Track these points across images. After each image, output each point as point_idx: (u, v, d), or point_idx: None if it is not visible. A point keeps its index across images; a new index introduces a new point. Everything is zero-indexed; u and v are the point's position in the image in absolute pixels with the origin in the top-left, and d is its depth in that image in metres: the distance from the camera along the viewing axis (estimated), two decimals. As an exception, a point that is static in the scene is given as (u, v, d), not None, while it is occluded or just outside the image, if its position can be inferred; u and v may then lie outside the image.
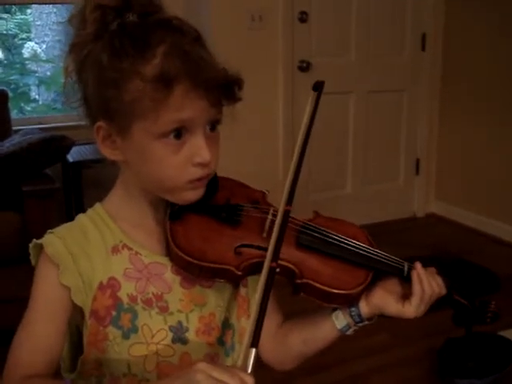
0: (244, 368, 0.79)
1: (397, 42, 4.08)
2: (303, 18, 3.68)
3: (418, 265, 1.01)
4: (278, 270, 0.91)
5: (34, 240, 0.95)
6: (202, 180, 0.93)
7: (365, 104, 4.04)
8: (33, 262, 0.96)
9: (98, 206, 1.01)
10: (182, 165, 0.90)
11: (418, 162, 4.34)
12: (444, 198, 4.34)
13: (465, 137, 4.10)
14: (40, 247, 0.94)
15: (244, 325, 1.05)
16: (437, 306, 1.03)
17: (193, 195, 0.95)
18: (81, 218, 1.00)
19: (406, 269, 1.01)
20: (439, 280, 1.02)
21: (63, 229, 0.97)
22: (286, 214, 0.96)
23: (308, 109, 1.07)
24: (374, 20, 3.94)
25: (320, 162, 3.92)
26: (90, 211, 1.01)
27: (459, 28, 4.04)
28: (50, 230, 0.96)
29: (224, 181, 1.02)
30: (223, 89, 0.90)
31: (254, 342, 0.81)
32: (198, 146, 0.90)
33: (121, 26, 0.89)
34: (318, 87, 1.09)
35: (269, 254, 0.92)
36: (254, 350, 0.80)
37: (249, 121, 3.49)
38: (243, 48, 3.45)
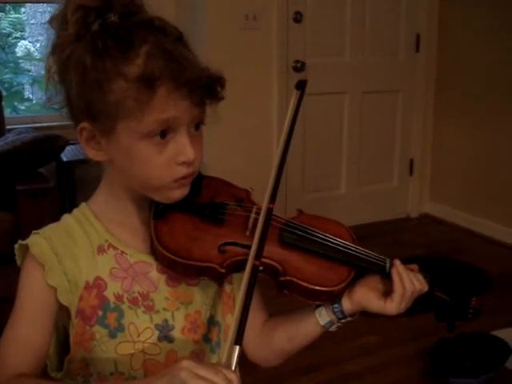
0: (228, 365, 0.80)
1: (391, 43, 4.08)
2: (298, 18, 3.68)
3: (397, 262, 1.02)
4: (261, 268, 0.92)
5: (20, 241, 0.95)
6: (186, 178, 0.94)
7: (359, 104, 4.05)
8: (18, 262, 0.96)
9: (83, 205, 1.01)
10: (166, 164, 0.91)
11: (412, 162, 4.35)
12: (438, 198, 4.35)
13: (459, 137, 4.11)
14: (25, 248, 0.94)
15: (229, 322, 1.06)
16: (422, 305, 1.04)
17: (178, 194, 0.95)
18: (66, 218, 1.00)
19: (387, 266, 1.02)
20: (420, 277, 1.02)
21: (48, 229, 0.97)
22: (269, 212, 0.97)
23: (291, 107, 1.06)
24: (368, 21, 3.95)
25: (314, 163, 3.93)
26: (75, 211, 1.01)
27: (453, 29, 4.05)
28: (35, 231, 0.96)
29: (208, 179, 1.02)
30: (206, 88, 0.90)
31: (238, 339, 0.82)
32: (182, 145, 0.91)
33: (103, 27, 0.89)
34: (301, 86, 1.09)
35: (252, 252, 0.93)
36: (237, 348, 0.81)
37: (243, 120, 3.52)
38: (237, 48, 3.46)
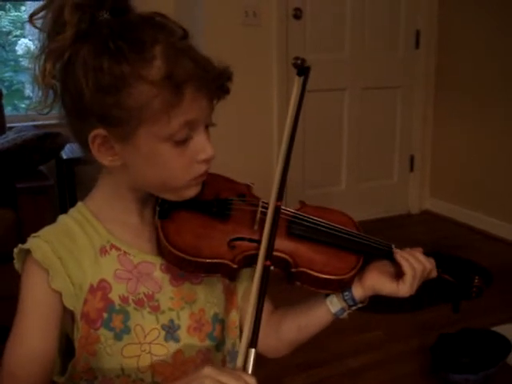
0: (244, 368, 0.81)
1: (391, 39, 4.08)
2: (297, 14, 3.67)
3: (397, 250, 1.03)
4: (272, 267, 0.93)
5: (20, 245, 0.93)
6: (203, 175, 0.95)
7: (359, 101, 4.04)
8: (16, 266, 0.94)
9: (80, 205, 0.99)
10: (187, 163, 0.91)
11: (412, 158, 4.35)
12: (438, 194, 4.35)
13: (459, 133, 4.11)
14: (25, 252, 0.92)
15: (233, 318, 1.07)
16: (428, 289, 1.04)
17: (193, 191, 0.95)
18: (64, 219, 0.98)
19: (393, 250, 1.04)
20: (428, 257, 1.04)
21: (48, 232, 0.95)
22: (277, 210, 0.97)
23: (293, 96, 1.07)
24: (368, 17, 3.95)
25: (314, 159, 3.93)
26: (73, 212, 0.99)
27: (453, 25, 4.05)
28: (34, 234, 0.94)
29: (208, 176, 1.01)
30: (221, 85, 0.91)
31: (253, 342, 0.82)
32: (201, 143, 0.91)
33: (108, 26, 0.87)
34: (305, 72, 1.09)
35: (261, 253, 0.92)
36: (253, 351, 0.82)
37: (243, 117, 3.51)
38: (237, 44, 3.45)
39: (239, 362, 0.83)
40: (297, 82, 1.09)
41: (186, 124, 0.88)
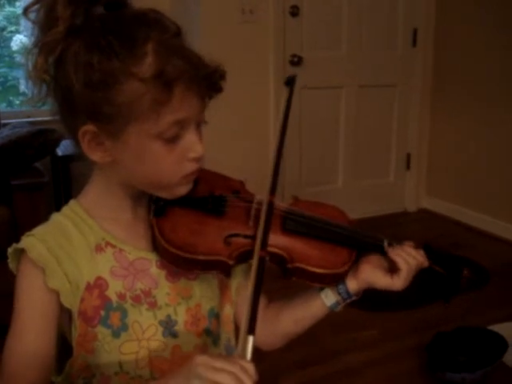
0: (243, 356, 0.81)
1: (388, 37, 4.07)
2: (294, 11, 3.66)
3: (390, 248, 1.04)
4: (267, 258, 0.93)
5: (14, 244, 0.92)
6: (194, 174, 0.94)
7: (356, 99, 4.04)
8: (11, 266, 0.94)
9: (73, 203, 0.99)
10: (177, 161, 0.90)
11: (408, 156, 4.35)
12: (435, 192, 4.35)
13: (456, 132, 4.11)
14: (20, 251, 0.92)
15: (228, 312, 1.08)
16: (420, 288, 1.05)
17: (185, 189, 0.95)
18: (57, 217, 0.97)
19: (385, 245, 1.05)
20: (421, 252, 1.05)
21: (42, 231, 0.94)
22: (271, 204, 0.98)
23: (282, 105, 1.09)
24: (365, 14, 3.94)
25: (311, 157, 3.93)
26: (65, 210, 0.98)
27: (450, 23, 4.05)
28: (28, 233, 0.93)
29: (202, 172, 1.01)
30: (213, 83, 0.90)
31: (251, 329, 0.82)
32: (192, 142, 0.90)
33: (100, 21, 0.86)
34: (290, 82, 1.11)
35: (257, 245, 0.93)
36: (251, 337, 0.82)
37: (239, 115, 3.50)
38: (234, 42, 3.44)
39: (238, 349, 0.83)
40: (285, 91, 1.13)
41: (176, 123, 0.87)
